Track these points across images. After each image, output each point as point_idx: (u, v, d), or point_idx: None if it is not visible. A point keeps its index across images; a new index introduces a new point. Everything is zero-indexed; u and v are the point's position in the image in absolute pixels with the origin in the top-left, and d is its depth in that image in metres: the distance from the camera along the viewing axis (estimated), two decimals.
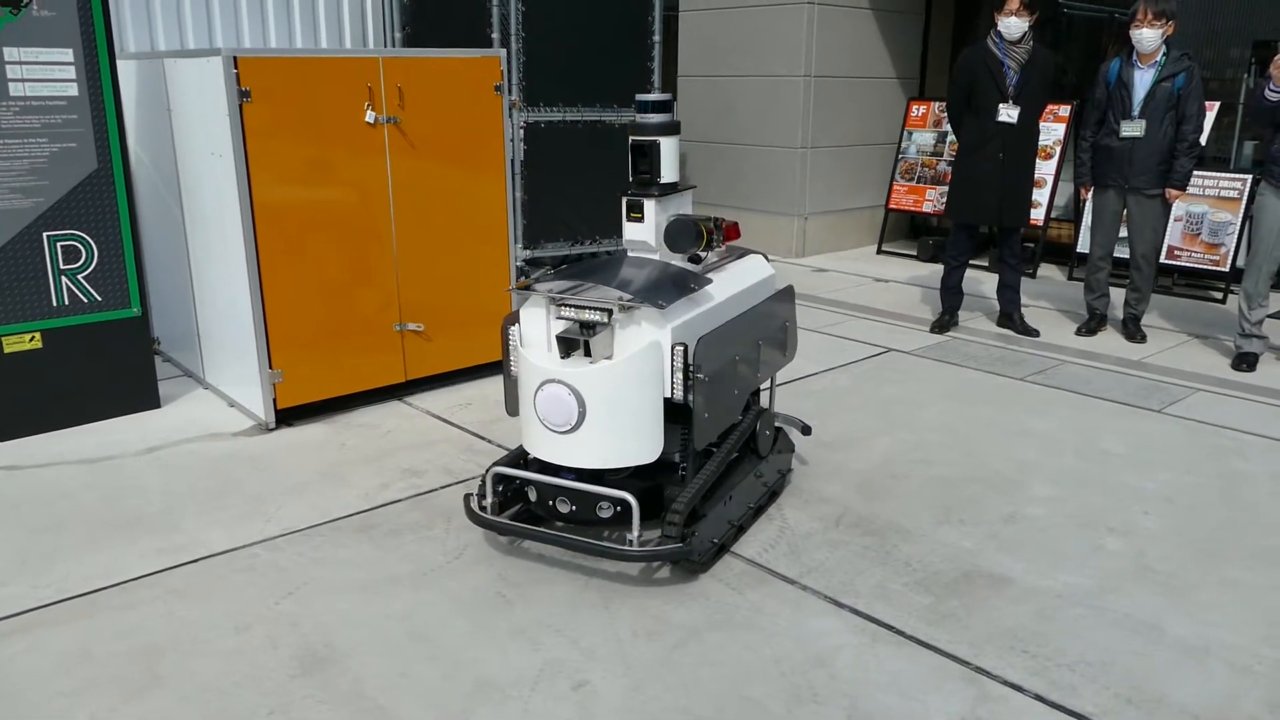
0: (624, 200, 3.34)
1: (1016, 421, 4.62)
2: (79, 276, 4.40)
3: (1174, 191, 5.74)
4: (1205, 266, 7.11)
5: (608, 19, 7.30)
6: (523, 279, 3.28)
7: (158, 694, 2.58)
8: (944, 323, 6.22)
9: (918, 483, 3.94)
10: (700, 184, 9.17)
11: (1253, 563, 3.32)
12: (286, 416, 4.48)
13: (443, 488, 3.85)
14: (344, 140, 4.40)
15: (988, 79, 5.73)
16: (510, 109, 6.85)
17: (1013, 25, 5.60)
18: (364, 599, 3.04)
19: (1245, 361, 5.46)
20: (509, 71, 6.80)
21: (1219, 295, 7.08)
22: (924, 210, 8.58)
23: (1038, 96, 5.79)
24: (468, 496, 3.36)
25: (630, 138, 3.31)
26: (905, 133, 8.77)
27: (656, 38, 7.53)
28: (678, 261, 3.36)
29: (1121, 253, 6.10)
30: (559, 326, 3.13)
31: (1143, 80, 5.62)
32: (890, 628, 2.91)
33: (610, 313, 3.04)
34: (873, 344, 5.92)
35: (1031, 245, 7.89)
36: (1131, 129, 5.65)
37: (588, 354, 3.05)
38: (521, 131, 7.07)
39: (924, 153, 8.61)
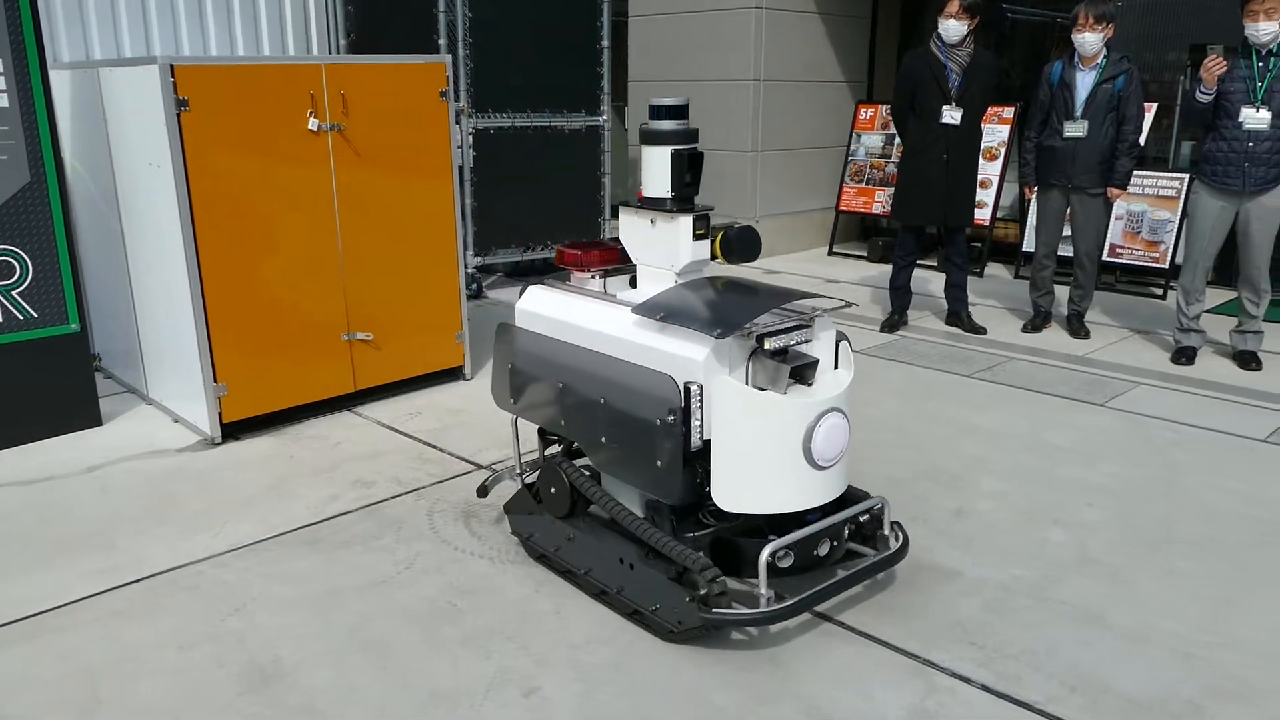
0: (685, 217, 2.93)
1: (965, 418, 4.69)
2: (13, 293, 4.29)
3: (1116, 190, 5.86)
4: (1145, 264, 7.27)
5: (555, 24, 7.29)
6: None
7: (100, 717, 2.52)
8: (893, 322, 6.29)
9: (868, 481, 3.96)
10: None
11: (1192, 551, 3.39)
12: (233, 430, 4.41)
13: (393, 497, 3.81)
14: (287, 149, 4.35)
15: (931, 82, 5.82)
16: (459, 115, 6.84)
17: (952, 28, 5.68)
18: (312, 612, 3.00)
19: (1184, 355, 5.59)
20: (456, 77, 6.77)
21: (1159, 292, 7.24)
22: (874, 212, 8.68)
23: (980, 99, 5.88)
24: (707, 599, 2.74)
25: (673, 148, 2.95)
26: (854, 135, 8.87)
27: (605, 43, 7.54)
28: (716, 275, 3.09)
29: (1065, 251, 6.22)
30: (765, 363, 2.73)
31: (1084, 82, 5.74)
32: (840, 623, 2.93)
33: (808, 330, 2.83)
34: None
35: (979, 245, 8.02)
36: (1074, 129, 5.76)
37: (796, 379, 2.79)
38: (471, 138, 7.04)
39: (872, 155, 8.71)
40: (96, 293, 5.10)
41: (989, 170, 7.91)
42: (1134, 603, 3.06)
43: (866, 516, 3.07)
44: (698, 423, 2.68)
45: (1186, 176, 7.03)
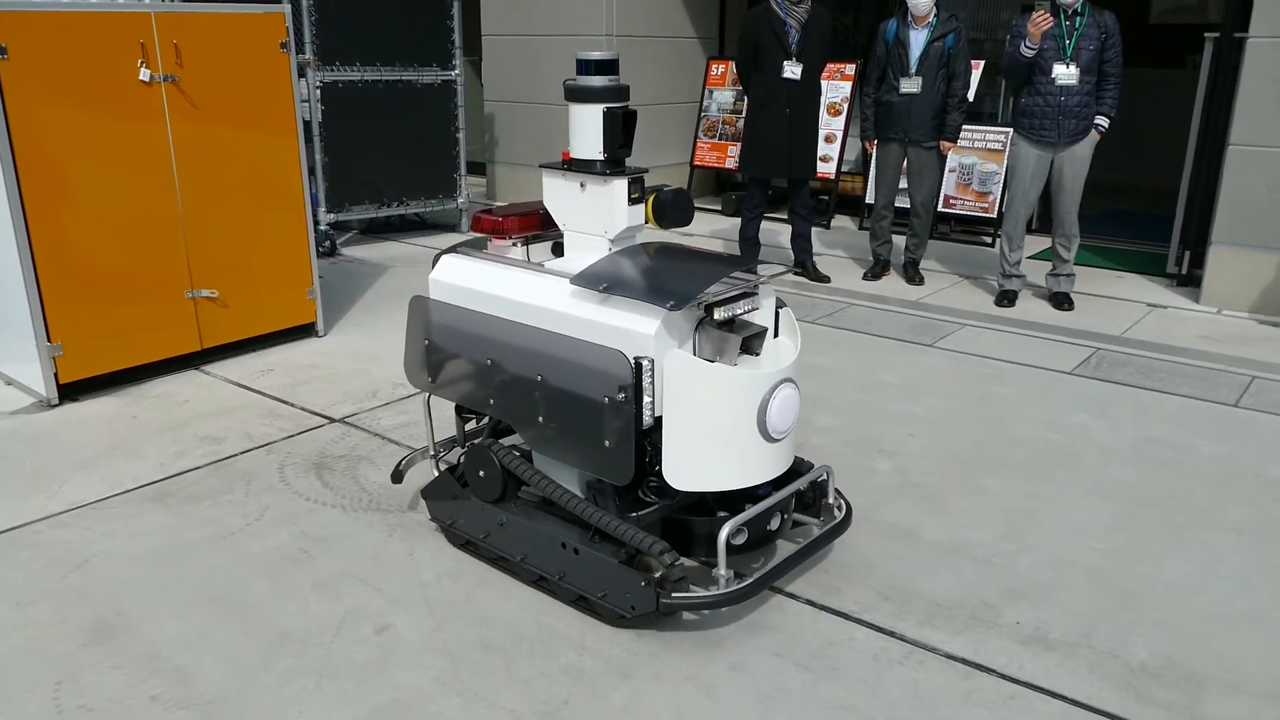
0: (619, 180, 2.77)
1: (806, 360, 4.94)
2: None
3: (948, 144, 6.22)
4: (976, 213, 7.74)
5: None
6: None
7: None
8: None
9: None
10: (509, 145, 9.19)
11: (1000, 472, 3.72)
12: (71, 392, 4.27)
13: (243, 453, 3.80)
14: (118, 100, 4.19)
15: (771, 39, 6.02)
16: (304, 68, 6.67)
17: None
18: (159, 566, 3.00)
19: (1006, 298, 6.03)
20: (299, 29, 6.59)
21: (989, 240, 7.73)
22: (727, 166, 8.91)
23: (819, 54, 6.12)
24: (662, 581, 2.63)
25: (605, 105, 2.78)
26: (706, 91, 9.05)
27: None
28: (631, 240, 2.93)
29: (903, 202, 6.57)
30: (712, 333, 2.63)
31: (918, 40, 6.03)
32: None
33: (755, 298, 2.73)
34: None
35: (825, 198, 8.36)
36: (910, 86, 6.06)
37: (743, 350, 2.73)
38: (319, 91, 6.88)
39: (724, 110, 8.92)
40: None
41: (833, 125, 8.23)
42: (945, 519, 3.36)
43: (807, 485, 3.00)
44: (649, 399, 2.53)
45: (1010, 130, 7.49)
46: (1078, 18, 5.50)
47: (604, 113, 2.77)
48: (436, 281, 3.05)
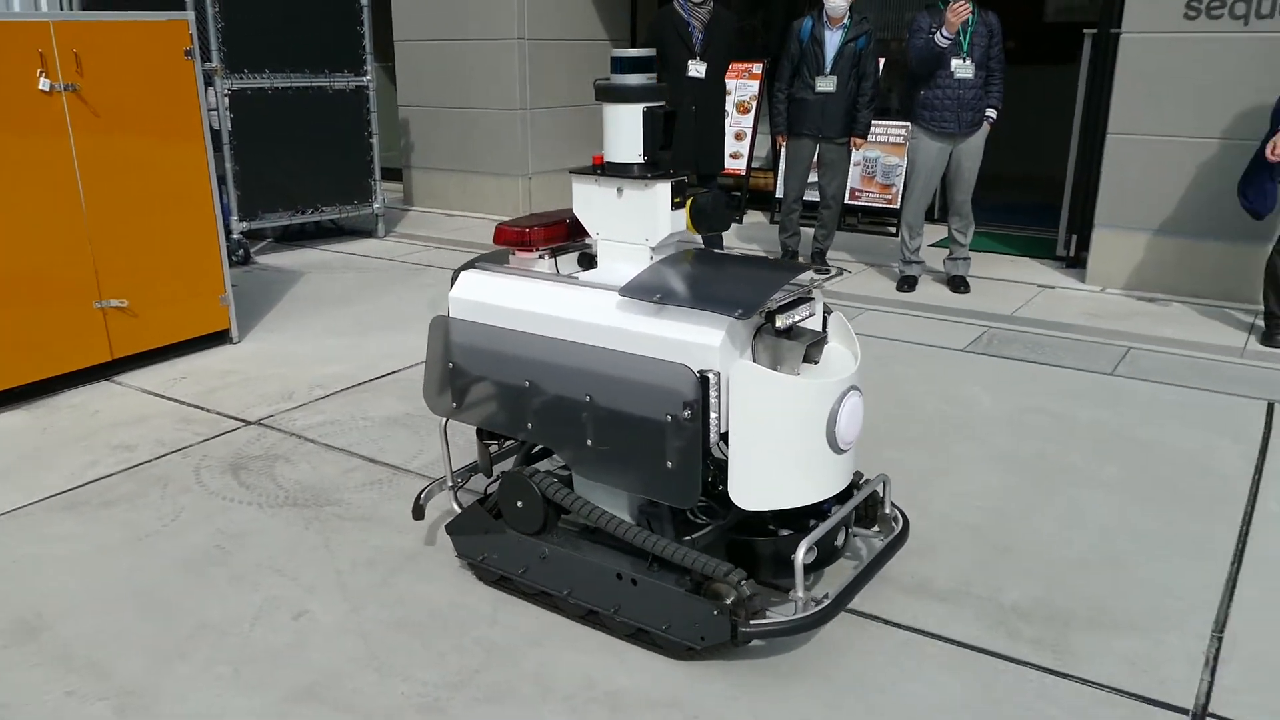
0: (662, 184, 2.59)
1: None
2: None
3: (859, 140, 6.46)
4: (881, 205, 8.03)
5: None
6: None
7: None
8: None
9: None
10: (426, 150, 9.23)
11: (903, 444, 3.92)
12: None
13: (157, 458, 3.82)
14: (17, 110, 4.17)
15: (676, 39, 6.19)
16: (211, 76, 6.66)
17: None
18: (75, 570, 3.03)
19: (907, 283, 6.29)
20: (204, 36, 6.57)
21: (893, 230, 8.02)
22: None
23: (722, 53, 6.32)
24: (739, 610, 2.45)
25: (644, 105, 2.61)
26: None
27: (364, 1, 7.49)
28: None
29: (812, 196, 6.80)
30: (770, 342, 2.46)
31: (833, 40, 6.22)
32: None
33: (812, 304, 2.60)
34: None
35: (738, 194, 8.58)
36: (825, 85, 6.25)
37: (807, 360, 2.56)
38: (227, 99, 6.86)
39: None
40: None
41: (743, 122, 8.46)
42: None
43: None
44: (715, 416, 2.37)
45: (910, 124, 7.80)
46: (970, 16, 5.79)
47: (644, 113, 2.59)
48: (458, 300, 2.81)
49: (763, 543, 2.64)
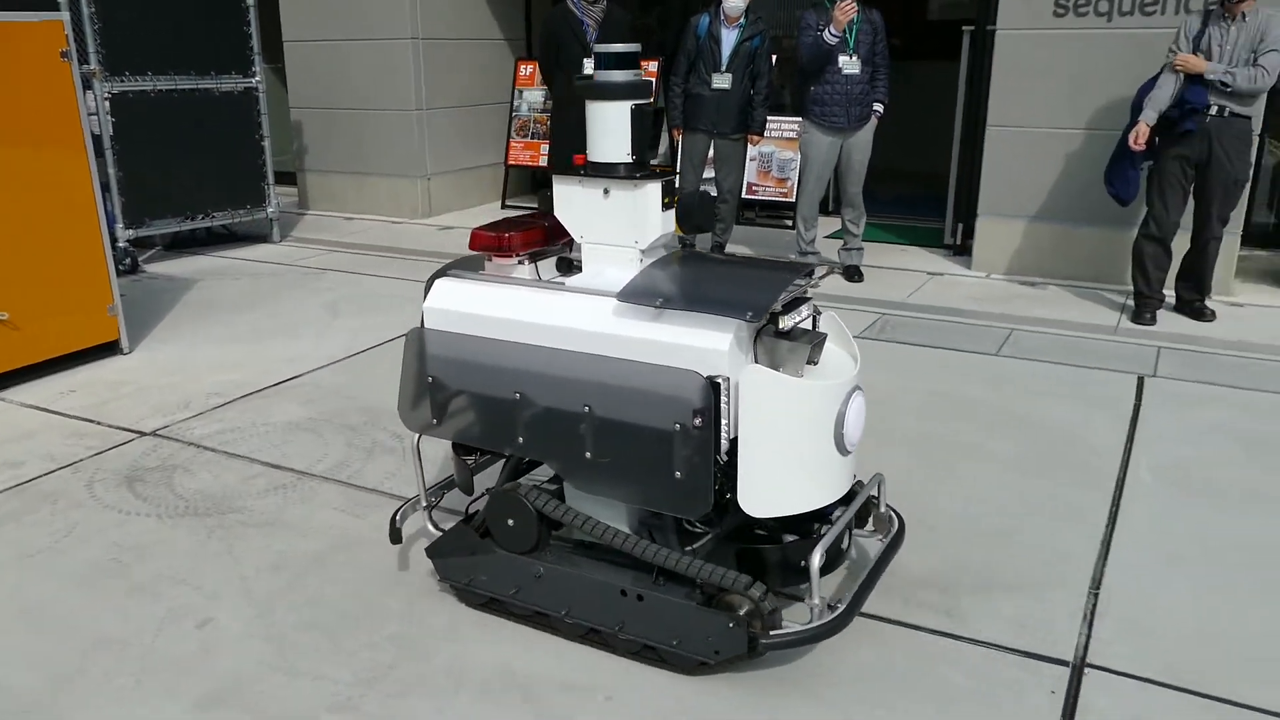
0: (652, 184, 2.50)
1: None
2: None
3: (755, 136, 6.61)
4: (777, 199, 8.22)
5: None
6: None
7: None
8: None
9: None
10: (320, 152, 9.06)
11: None
12: None
13: (46, 474, 3.69)
14: None
15: (571, 38, 6.24)
16: (89, 79, 6.42)
17: None
18: None
19: None
20: (82, 37, 6.33)
21: (789, 223, 8.21)
22: (541, 165, 9.08)
23: None
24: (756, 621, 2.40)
25: (633, 102, 2.51)
26: (516, 91, 9.20)
27: (250, 1, 7.32)
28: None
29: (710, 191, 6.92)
30: (770, 344, 2.41)
31: (729, 38, 6.34)
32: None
33: (810, 303, 2.56)
34: None
35: None
36: (721, 81, 6.37)
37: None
38: (108, 103, 6.62)
39: (535, 110, 9.10)
40: None
41: None
42: None
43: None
44: (726, 422, 2.31)
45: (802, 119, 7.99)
46: (856, 15, 5.98)
47: (633, 110, 2.49)
48: (433, 310, 2.67)
49: (770, 550, 2.59)
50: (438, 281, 2.71)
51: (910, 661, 2.55)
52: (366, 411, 4.24)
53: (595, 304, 2.46)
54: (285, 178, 8.85)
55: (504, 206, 9.26)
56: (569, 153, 6.72)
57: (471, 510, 2.87)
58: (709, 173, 6.79)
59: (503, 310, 2.57)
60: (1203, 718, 2.35)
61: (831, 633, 2.43)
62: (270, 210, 7.74)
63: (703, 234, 6.85)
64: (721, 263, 2.75)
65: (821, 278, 2.66)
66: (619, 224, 2.56)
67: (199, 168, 7.18)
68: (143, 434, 4.06)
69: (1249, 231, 6.28)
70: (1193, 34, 5.14)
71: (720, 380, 2.28)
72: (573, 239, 2.70)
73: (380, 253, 7.45)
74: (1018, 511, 3.34)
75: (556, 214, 2.66)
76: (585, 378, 2.43)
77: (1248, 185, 5.47)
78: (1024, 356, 4.90)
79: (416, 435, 2.78)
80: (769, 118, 6.74)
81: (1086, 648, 2.60)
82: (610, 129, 2.52)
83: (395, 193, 8.74)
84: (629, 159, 2.52)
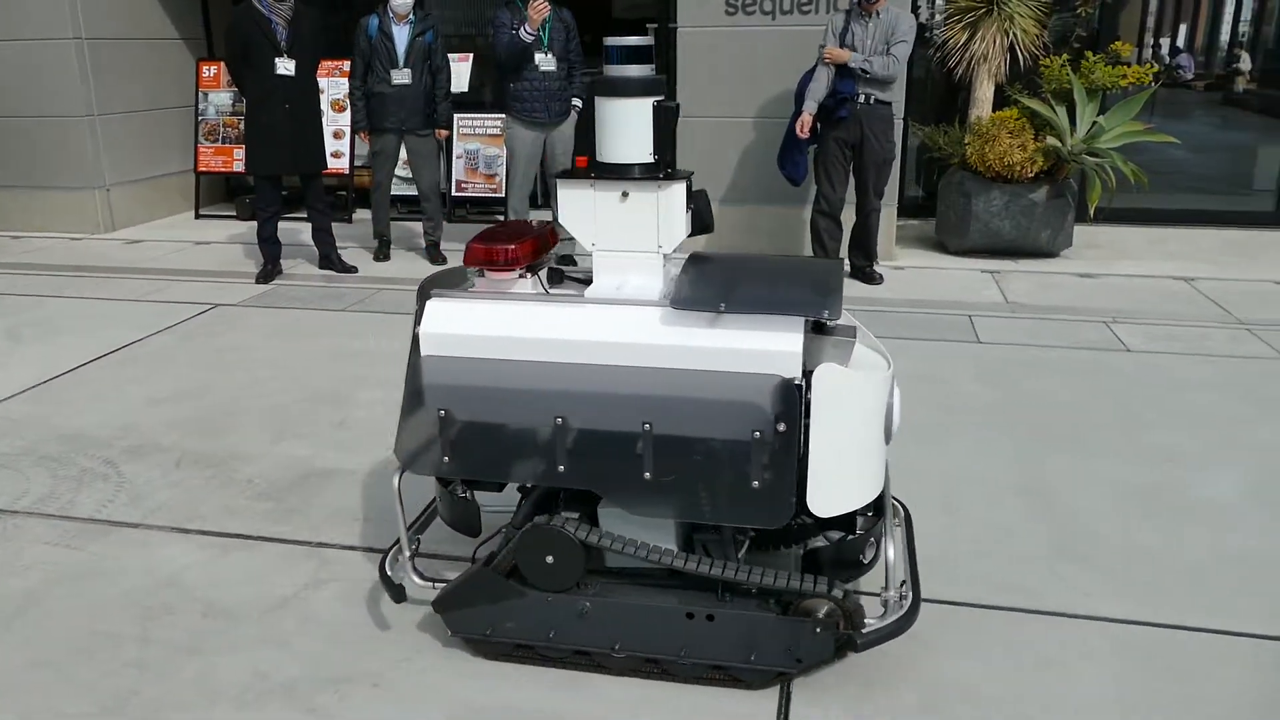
0: (677, 184, 2.38)
1: (341, 346, 5.14)
2: None
3: (441, 131, 6.75)
4: (487, 194, 8.37)
5: None
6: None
7: None
8: (267, 273, 6.50)
9: (255, 414, 4.24)
10: None
11: None
12: None
13: None
14: None
15: (260, 37, 6.04)
16: None
17: None
18: None
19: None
20: None
21: (501, 217, 8.37)
22: (235, 169, 8.65)
23: (310, 49, 6.27)
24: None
25: (654, 99, 2.37)
26: (200, 94, 8.69)
27: None
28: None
29: (412, 190, 6.94)
30: (819, 340, 2.34)
31: (401, 35, 6.49)
32: (238, 535, 3.21)
33: None
34: (199, 303, 5.98)
35: (344, 193, 8.49)
36: (401, 77, 6.48)
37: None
38: None
39: (223, 113, 8.65)
40: None
41: (340, 121, 8.38)
42: None
43: None
44: (806, 424, 2.23)
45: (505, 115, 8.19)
46: (549, 13, 6.24)
47: (655, 107, 2.35)
48: (432, 335, 2.39)
49: (825, 549, 2.51)
50: (432, 304, 2.43)
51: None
52: (69, 440, 3.95)
53: (640, 314, 2.31)
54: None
55: (199, 216, 8.74)
56: (265, 154, 6.56)
57: (484, 554, 2.55)
58: (405, 171, 6.85)
59: (528, 329, 2.35)
60: None
61: (908, 624, 2.39)
62: None
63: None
64: (758, 262, 2.67)
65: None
66: (640, 228, 2.41)
67: None
68: None
69: (903, 204, 7.22)
70: (838, 30, 5.87)
71: (799, 382, 2.21)
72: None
73: (61, 272, 6.82)
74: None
75: (561, 221, 2.47)
76: (642, 393, 2.27)
77: (897, 163, 6.31)
78: None
79: (398, 474, 2.47)
80: (472, 115, 6.90)
81: None
82: (629, 127, 2.37)
83: (70, 206, 8.00)
84: (649, 159, 2.38)
